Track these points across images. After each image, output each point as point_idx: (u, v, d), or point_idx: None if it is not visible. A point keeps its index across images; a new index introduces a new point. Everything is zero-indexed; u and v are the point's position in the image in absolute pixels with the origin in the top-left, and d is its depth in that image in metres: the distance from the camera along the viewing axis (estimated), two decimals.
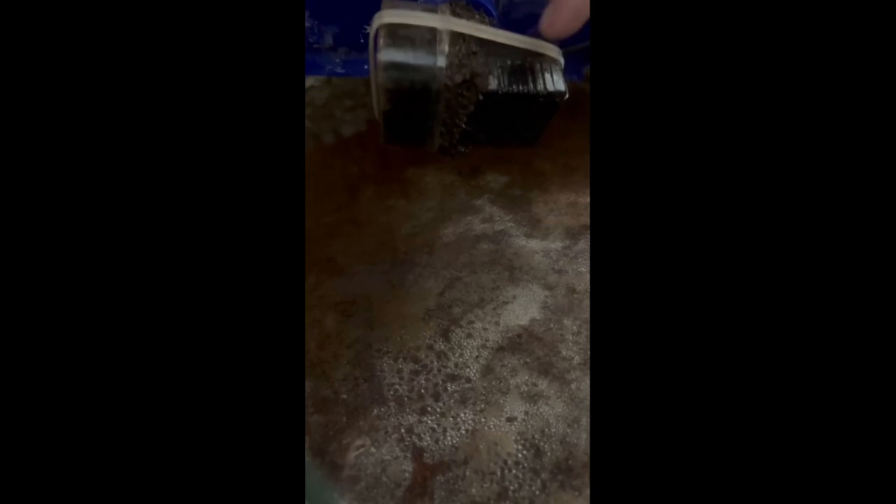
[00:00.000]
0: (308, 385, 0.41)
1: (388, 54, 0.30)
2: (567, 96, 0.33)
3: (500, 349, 0.42)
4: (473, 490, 0.35)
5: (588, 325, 0.43)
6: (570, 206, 0.54)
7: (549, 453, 0.36)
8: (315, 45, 0.40)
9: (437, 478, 0.35)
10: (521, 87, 0.33)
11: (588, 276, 0.47)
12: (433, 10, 0.32)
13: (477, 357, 0.42)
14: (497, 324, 0.44)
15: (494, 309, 0.45)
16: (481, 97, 0.32)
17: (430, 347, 0.43)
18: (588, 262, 0.47)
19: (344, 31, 0.40)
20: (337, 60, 0.41)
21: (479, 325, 0.44)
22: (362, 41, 0.40)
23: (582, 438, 0.36)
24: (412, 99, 0.32)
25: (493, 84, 0.32)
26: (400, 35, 0.31)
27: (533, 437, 0.37)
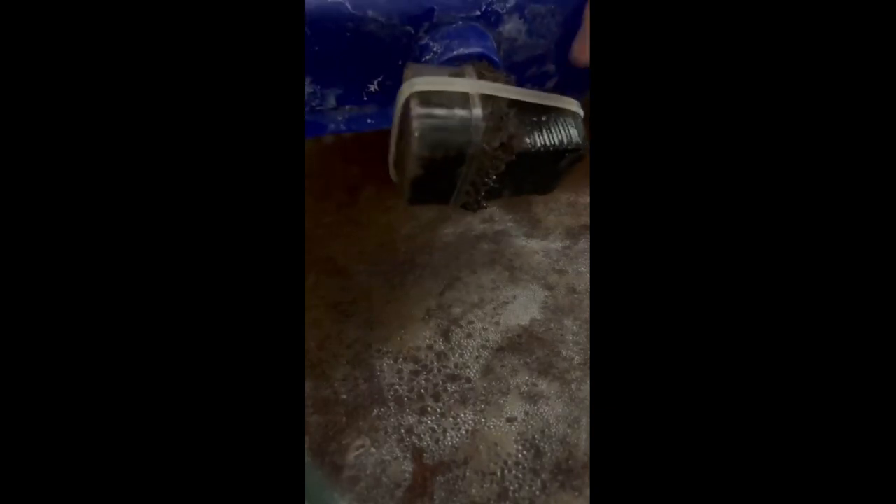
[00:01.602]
0: (308, 385, 0.41)
1: (423, 123, 0.30)
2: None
3: (500, 349, 0.42)
4: (473, 490, 0.35)
5: (588, 325, 0.43)
6: (570, 206, 0.54)
7: (549, 453, 0.36)
8: (318, 108, 0.40)
9: (437, 478, 0.35)
10: (551, 144, 0.33)
11: (588, 276, 0.47)
12: (460, 73, 0.32)
13: (477, 357, 0.42)
14: (497, 324, 0.44)
15: (494, 309, 0.45)
16: (514, 156, 0.32)
17: (430, 347, 0.43)
18: (588, 262, 0.47)
19: (347, 92, 0.40)
20: (340, 119, 0.41)
21: (479, 325, 0.44)
22: (365, 98, 0.41)
23: (582, 438, 0.36)
24: (445, 164, 0.31)
25: (526, 143, 0.32)
26: (433, 102, 0.30)
27: (533, 437, 0.37)
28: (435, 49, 0.37)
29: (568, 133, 0.34)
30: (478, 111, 0.31)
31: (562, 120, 0.34)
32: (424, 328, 0.44)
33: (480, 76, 0.32)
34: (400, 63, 0.39)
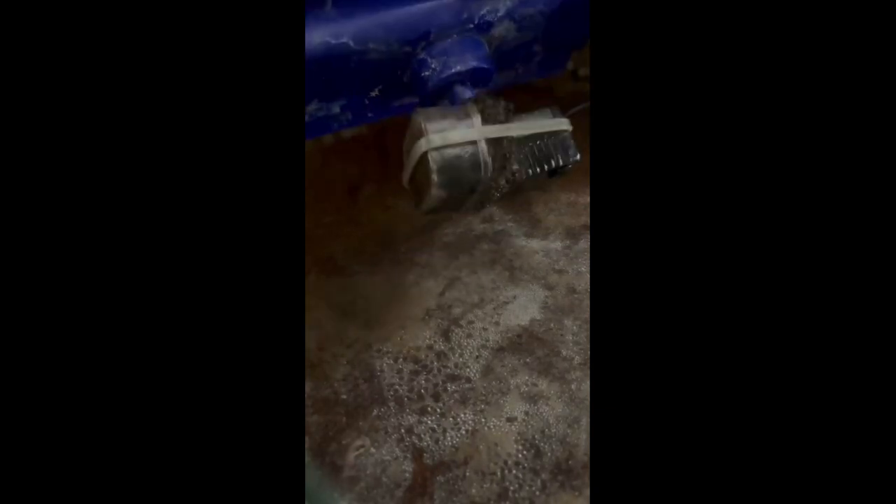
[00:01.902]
0: (308, 385, 0.41)
1: (441, 174, 0.37)
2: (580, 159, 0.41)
3: (500, 349, 0.42)
4: (473, 490, 0.35)
5: (588, 325, 0.43)
6: (570, 206, 0.54)
7: (549, 453, 0.36)
8: (322, 115, 0.44)
9: (437, 478, 0.35)
10: (547, 167, 0.41)
11: (588, 276, 0.47)
12: (467, 114, 0.38)
13: (477, 357, 0.42)
14: (497, 324, 0.44)
15: (494, 309, 0.45)
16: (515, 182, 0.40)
17: (430, 347, 0.43)
18: (588, 262, 0.47)
19: (349, 103, 0.44)
20: (343, 119, 0.45)
21: (479, 325, 0.44)
22: (367, 102, 0.44)
23: (582, 438, 0.36)
24: (458, 196, 0.39)
25: (528, 174, 0.40)
26: (447, 154, 0.37)
27: (533, 437, 0.37)
28: (433, 66, 0.41)
29: (562, 152, 0.41)
30: (487, 158, 0.38)
31: (556, 141, 0.41)
32: (424, 328, 0.44)
33: (483, 113, 0.39)
34: (399, 73, 0.42)
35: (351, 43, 0.38)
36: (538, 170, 0.40)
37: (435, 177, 0.37)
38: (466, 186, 0.38)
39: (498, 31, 0.42)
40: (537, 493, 0.34)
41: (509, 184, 0.40)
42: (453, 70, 0.41)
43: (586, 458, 0.35)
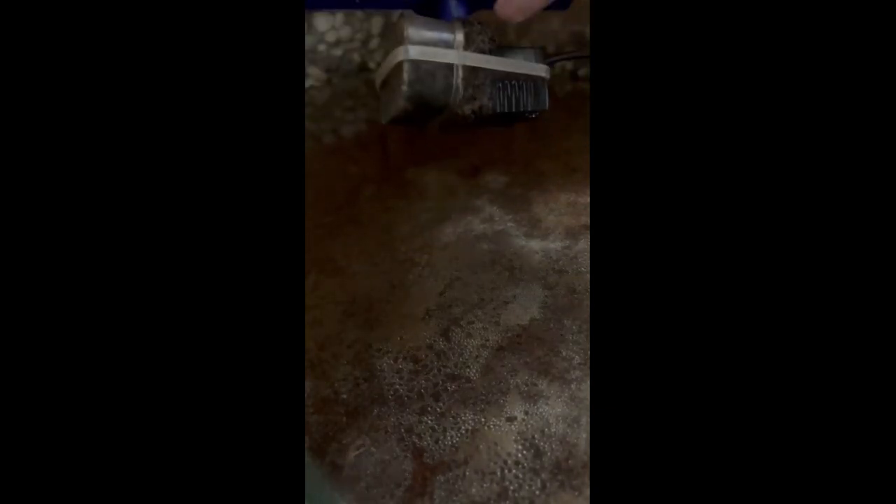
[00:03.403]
0: (308, 385, 0.41)
1: (411, 87, 0.37)
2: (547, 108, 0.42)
3: (500, 349, 0.42)
4: (473, 490, 0.35)
5: (588, 325, 0.43)
6: (570, 206, 0.54)
7: (549, 453, 0.36)
8: None
9: (437, 478, 0.35)
10: (517, 109, 0.41)
11: (588, 276, 0.47)
12: (451, 37, 0.38)
13: (477, 357, 0.42)
14: (497, 324, 0.44)
15: (494, 309, 0.45)
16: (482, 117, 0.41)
17: (430, 347, 0.43)
18: (588, 262, 0.47)
19: None
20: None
21: (479, 325, 0.44)
22: (357, 1, 0.43)
23: (582, 438, 0.36)
24: (425, 112, 0.39)
25: (496, 110, 0.40)
26: (422, 69, 0.37)
27: (533, 437, 0.37)
28: None
29: (534, 99, 0.42)
30: (458, 81, 0.38)
31: (529, 85, 0.41)
32: (424, 328, 0.44)
33: (467, 38, 0.38)
34: None
35: None
36: (505, 109, 0.41)
37: (405, 87, 0.37)
38: (434, 105, 0.39)
39: None
40: (537, 492, 0.34)
41: (474, 114, 0.40)
42: None
43: (586, 458, 0.35)
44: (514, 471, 0.35)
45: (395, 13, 0.48)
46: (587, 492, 0.34)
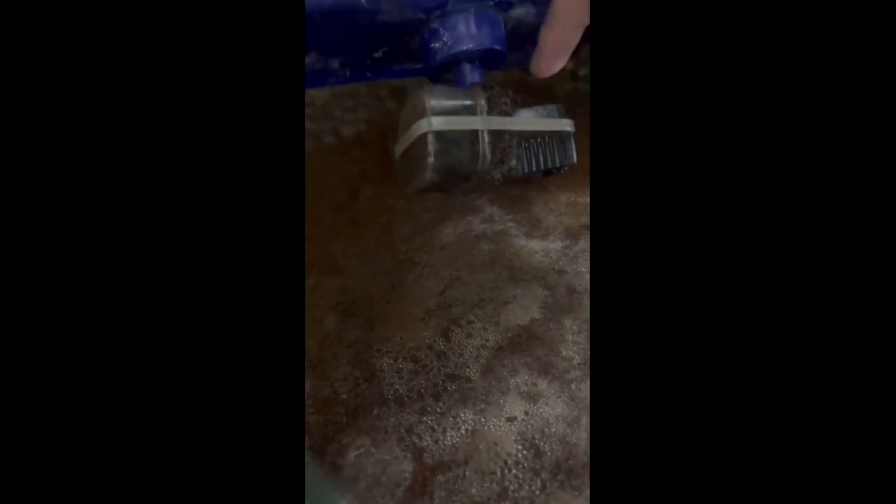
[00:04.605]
0: (308, 385, 0.41)
1: (437, 160, 0.36)
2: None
3: (500, 349, 0.42)
4: (473, 490, 0.35)
5: (588, 325, 0.43)
6: (570, 206, 0.54)
7: (548, 453, 0.36)
8: (319, 68, 0.42)
9: (437, 478, 0.35)
10: (543, 166, 0.39)
11: (588, 276, 0.47)
12: (473, 103, 0.37)
13: (477, 357, 0.42)
14: (497, 324, 0.44)
15: (494, 309, 0.45)
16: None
17: (430, 347, 0.43)
18: (588, 262, 0.47)
19: (349, 60, 0.42)
20: (340, 75, 0.43)
21: (479, 325, 0.44)
22: (368, 62, 0.43)
23: (582, 438, 0.36)
24: (451, 181, 0.38)
25: (524, 171, 0.39)
26: (447, 139, 0.36)
27: (533, 437, 0.37)
28: (444, 38, 0.39)
29: (561, 154, 0.40)
30: (485, 148, 0.37)
31: (556, 140, 0.40)
32: (424, 328, 0.44)
33: (489, 101, 0.37)
34: (407, 38, 0.40)
35: (363, 1, 0.36)
36: (534, 168, 0.40)
37: (431, 160, 0.36)
38: (461, 175, 0.37)
39: (517, 12, 0.41)
40: (537, 492, 0.34)
41: (504, 178, 0.39)
42: (465, 47, 0.39)
43: (586, 458, 0.35)
44: (514, 471, 0.35)
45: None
46: (587, 492, 0.34)
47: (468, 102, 0.37)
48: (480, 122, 0.37)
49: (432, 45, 0.39)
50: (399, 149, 0.39)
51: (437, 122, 0.36)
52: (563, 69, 0.60)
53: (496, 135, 0.37)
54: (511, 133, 0.38)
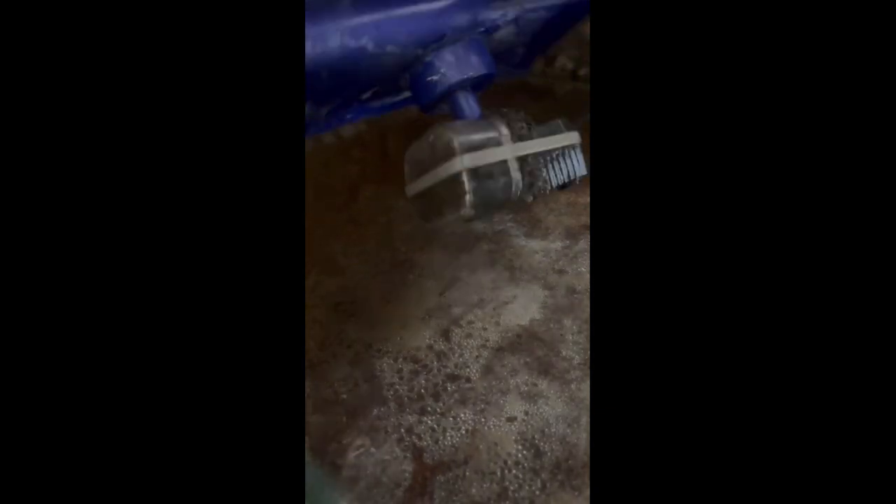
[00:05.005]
0: (308, 385, 0.41)
1: (475, 196, 0.37)
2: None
3: (500, 349, 0.42)
4: (473, 490, 0.35)
5: (588, 325, 0.43)
6: (570, 206, 0.54)
7: (548, 453, 0.36)
8: (308, 120, 0.43)
9: (437, 478, 0.35)
10: (564, 181, 0.41)
11: (588, 276, 0.47)
12: (497, 134, 0.38)
13: (477, 357, 0.42)
14: (497, 324, 0.44)
15: (494, 309, 0.45)
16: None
17: (430, 347, 0.43)
18: (588, 262, 0.48)
19: (340, 105, 0.43)
20: (321, 122, 0.44)
21: (479, 325, 0.44)
22: (355, 104, 0.44)
23: (582, 438, 0.36)
24: (486, 214, 0.39)
25: (551, 186, 0.41)
26: (480, 174, 0.37)
27: (533, 437, 0.37)
28: (441, 71, 0.40)
29: (574, 166, 0.41)
30: (517, 175, 0.38)
31: (568, 153, 0.41)
32: (424, 328, 0.44)
33: (510, 127, 0.39)
34: (398, 76, 0.41)
35: (370, 46, 0.37)
36: (559, 182, 0.41)
37: (469, 197, 0.37)
38: (496, 205, 0.38)
39: (500, 34, 0.42)
40: (537, 492, 0.34)
41: (535, 199, 0.40)
42: (462, 77, 0.40)
43: (586, 458, 0.35)
44: (514, 471, 0.35)
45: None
46: (587, 492, 0.34)
47: (493, 134, 0.38)
48: (509, 151, 0.38)
49: (428, 79, 0.40)
50: (416, 188, 0.40)
51: (469, 160, 0.36)
52: (564, 69, 0.60)
53: (522, 159, 0.39)
54: (534, 154, 0.39)
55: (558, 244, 0.50)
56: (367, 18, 0.36)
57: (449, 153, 0.37)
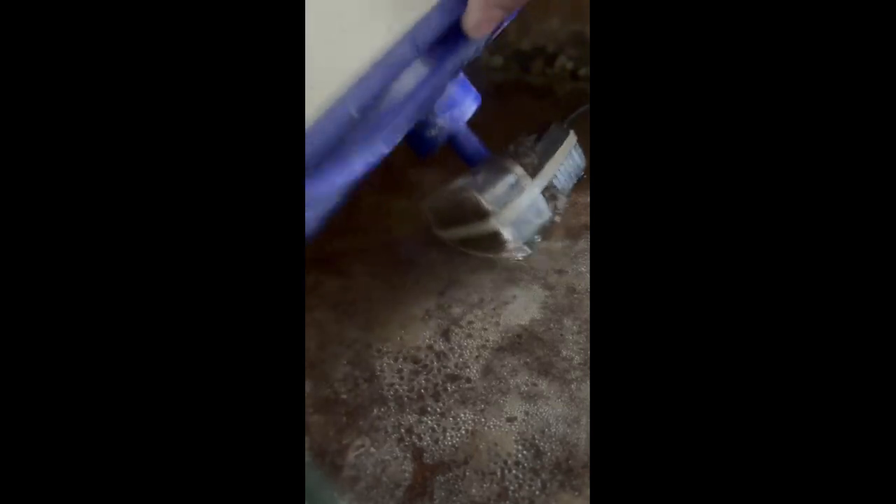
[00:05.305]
0: (308, 385, 0.41)
1: (516, 242, 0.40)
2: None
3: (500, 349, 0.42)
4: (473, 490, 0.35)
5: (588, 325, 0.43)
6: (571, 205, 0.54)
7: (548, 453, 0.36)
8: None
9: (437, 478, 0.35)
10: (576, 180, 0.44)
11: (588, 276, 0.47)
12: (516, 177, 0.39)
13: (477, 357, 0.42)
14: (497, 324, 0.44)
15: (494, 309, 0.45)
16: None
17: (430, 347, 0.43)
18: (588, 262, 0.48)
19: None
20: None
21: (479, 325, 0.44)
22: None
23: (582, 438, 0.36)
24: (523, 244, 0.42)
25: (568, 195, 0.43)
26: (519, 223, 0.39)
27: (533, 437, 0.37)
28: (439, 123, 0.40)
29: (579, 161, 0.44)
30: (545, 206, 0.40)
31: (571, 156, 0.43)
32: (424, 328, 0.44)
33: (520, 163, 0.40)
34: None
35: (384, 150, 0.37)
36: (571, 187, 0.43)
37: (510, 244, 0.39)
38: (533, 235, 0.41)
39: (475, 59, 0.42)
40: (537, 492, 0.34)
41: (560, 216, 0.42)
42: (460, 124, 0.40)
43: (586, 458, 0.35)
44: (514, 471, 0.35)
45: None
46: (587, 492, 0.34)
47: (511, 179, 0.39)
48: (534, 190, 0.39)
49: (427, 134, 0.40)
50: (448, 236, 0.42)
51: (504, 218, 0.38)
52: (564, 69, 0.60)
53: (545, 188, 0.40)
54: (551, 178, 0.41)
55: (558, 244, 0.50)
56: (371, 150, 0.36)
57: (480, 213, 0.38)
